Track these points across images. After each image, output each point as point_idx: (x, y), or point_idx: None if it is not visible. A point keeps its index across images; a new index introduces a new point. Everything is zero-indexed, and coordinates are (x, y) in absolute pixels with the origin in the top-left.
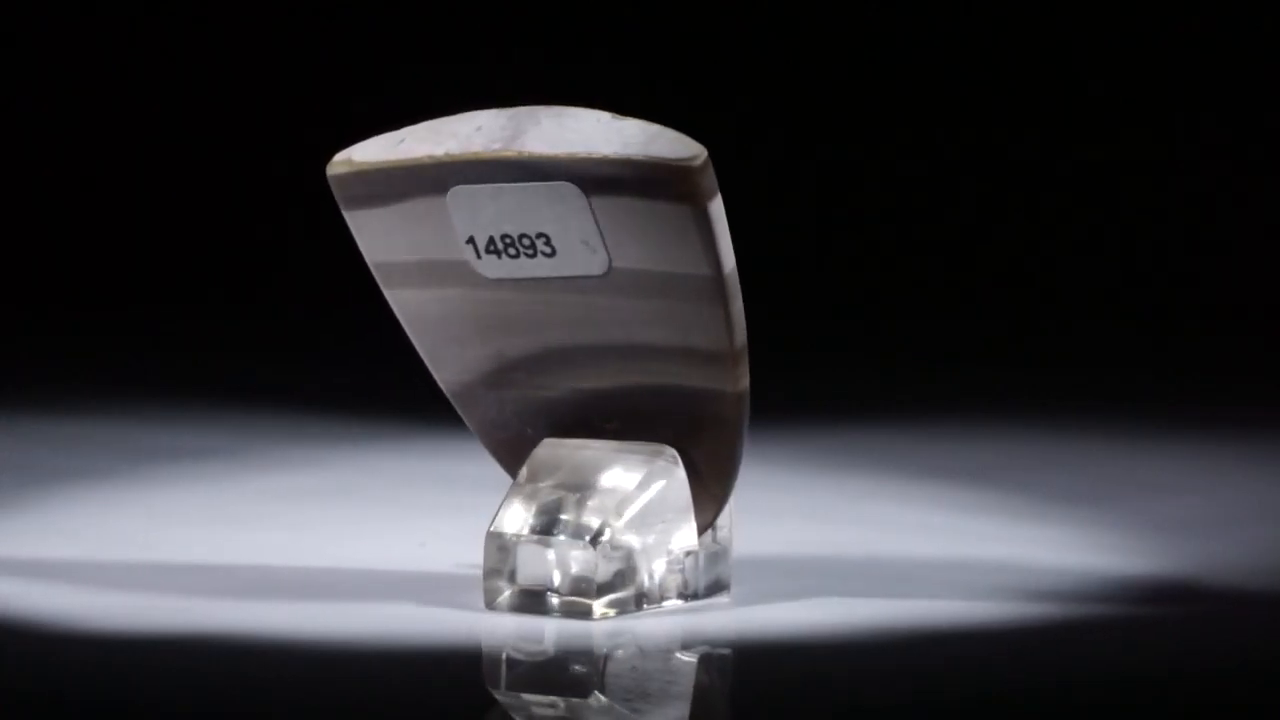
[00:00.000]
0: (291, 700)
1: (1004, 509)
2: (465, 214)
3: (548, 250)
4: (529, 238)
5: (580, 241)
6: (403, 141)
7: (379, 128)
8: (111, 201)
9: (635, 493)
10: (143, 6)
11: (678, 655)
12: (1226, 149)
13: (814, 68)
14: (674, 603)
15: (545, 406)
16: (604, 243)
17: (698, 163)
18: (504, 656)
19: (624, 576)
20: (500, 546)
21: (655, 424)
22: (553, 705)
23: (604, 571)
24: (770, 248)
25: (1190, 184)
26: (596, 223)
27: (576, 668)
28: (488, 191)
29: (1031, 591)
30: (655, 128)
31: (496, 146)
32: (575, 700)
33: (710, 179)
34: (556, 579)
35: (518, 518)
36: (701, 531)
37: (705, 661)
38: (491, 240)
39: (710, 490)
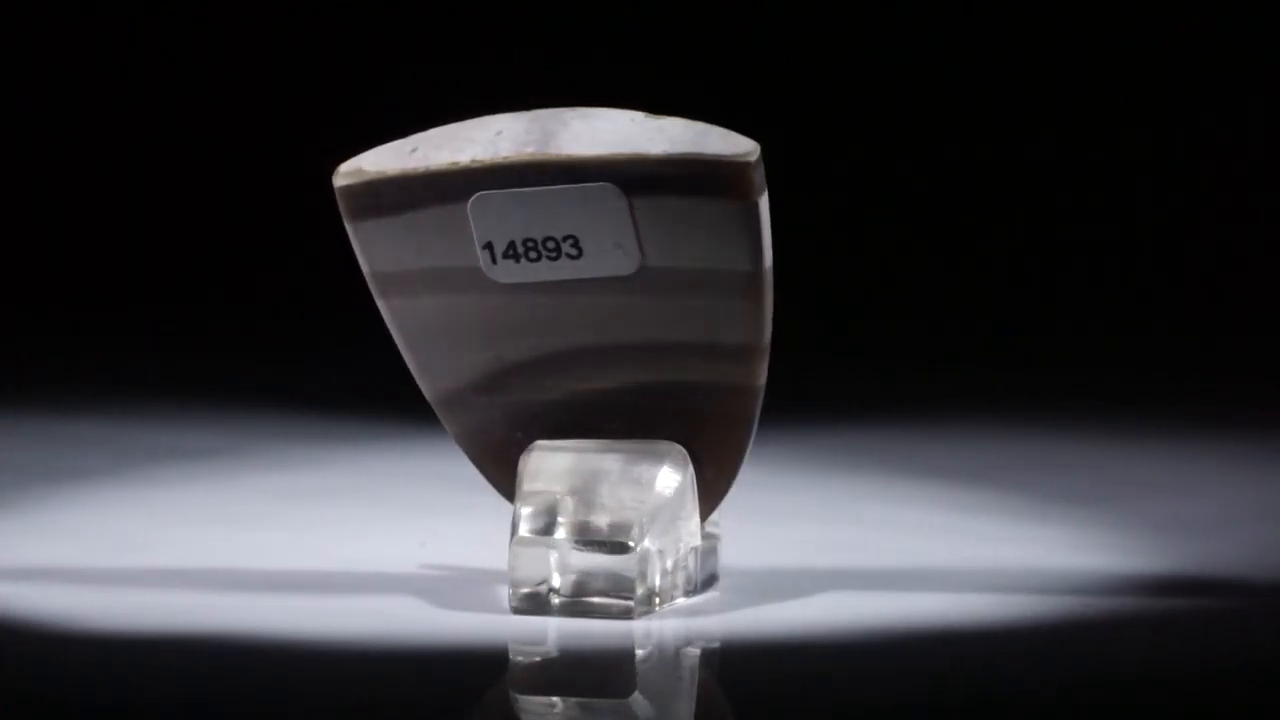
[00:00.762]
0: (291, 700)
1: (1004, 509)
2: (487, 220)
3: (574, 252)
4: (554, 240)
5: (612, 242)
6: (415, 150)
7: (377, 126)
8: (111, 201)
9: (658, 492)
10: (143, 6)
11: (688, 653)
12: (1227, 149)
13: (813, 68)
14: (682, 600)
15: (541, 409)
16: (638, 242)
17: (753, 158)
18: (552, 659)
19: (644, 575)
20: (529, 551)
21: (658, 422)
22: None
23: (640, 572)
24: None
25: (1190, 184)
26: (634, 222)
27: (640, 668)
28: (516, 196)
29: (1032, 591)
30: (701, 125)
31: (530, 150)
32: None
33: (761, 174)
34: (598, 581)
35: (541, 521)
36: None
37: (708, 661)
38: (512, 245)
39: (712, 486)
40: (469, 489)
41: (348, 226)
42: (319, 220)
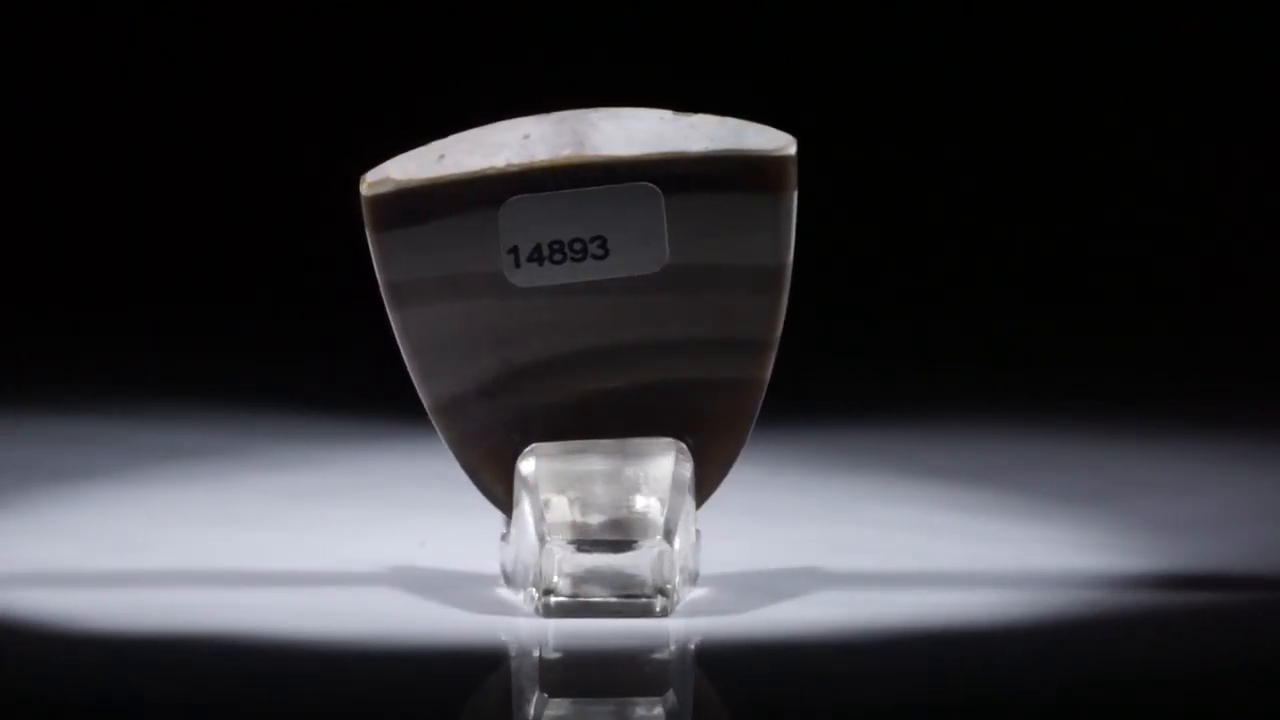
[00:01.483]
0: (291, 700)
1: (1004, 509)
2: (517, 224)
3: (599, 253)
4: (582, 242)
5: (640, 241)
6: (443, 156)
7: (377, 126)
8: (111, 201)
9: (674, 490)
10: (142, 6)
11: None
12: (1227, 149)
13: (813, 67)
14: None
15: (543, 412)
16: (666, 240)
17: (792, 151)
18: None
19: (673, 573)
20: (560, 555)
21: (661, 420)
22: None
23: (671, 570)
24: None
25: (1191, 184)
26: (665, 221)
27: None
28: (549, 199)
29: (1032, 591)
30: (733, 120)
31: (567, 152)
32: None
33: (796, 168)
34: (630, 581)
35: (568, 521)
36: None
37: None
38: (538, 248)
39: (706, 482)
40: (469, 489)
41: (372, 236)
42: (319, 220)
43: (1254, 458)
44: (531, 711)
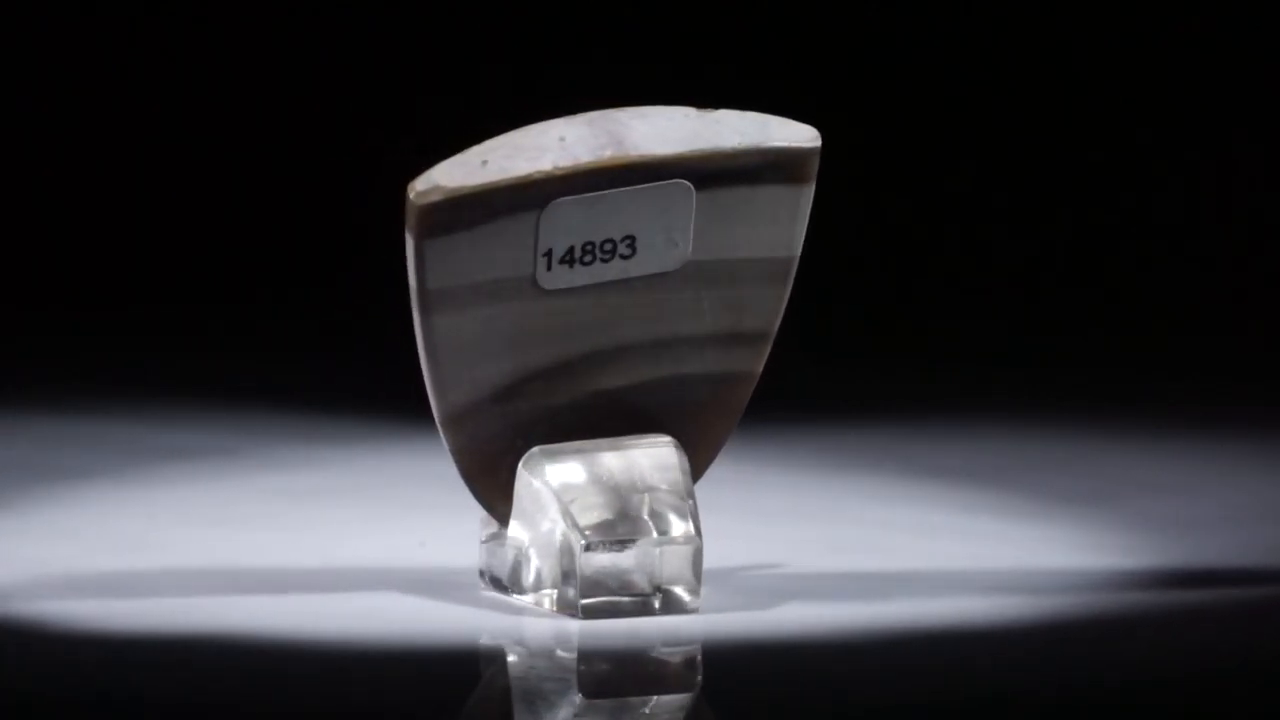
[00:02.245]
0: (291, 700)
1: (1004, 509)
2: (556, 226)
3: (627, 252)
4: (613, 242)
5: (666, 239)
6: (486, 162)
7: (377, 126)
8: (111, 201)
9: (687, 485)
10: (143, 6)
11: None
12: (1228, 149)
13: (815, 66)
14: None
15: (549, 414)
16: (690, 236)
17: (819, 144)
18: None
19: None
20: (598, 555)
21: (658, 416)
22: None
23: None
24: None
25: (1191, 184)
26: (693, 217)
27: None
28: (590, 200)
29: (1032, 591)
30: (753, 114)
31: (607, 154)
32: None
33: (818, 160)
34: (686, 576)
35: (600, 522)
36: None
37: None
38: (571, 250)
39: (694, 471)
40: (466, 488)
41: (415, 243)
42: (319, 220)
43: (1254, 458)
44: (566, 712)
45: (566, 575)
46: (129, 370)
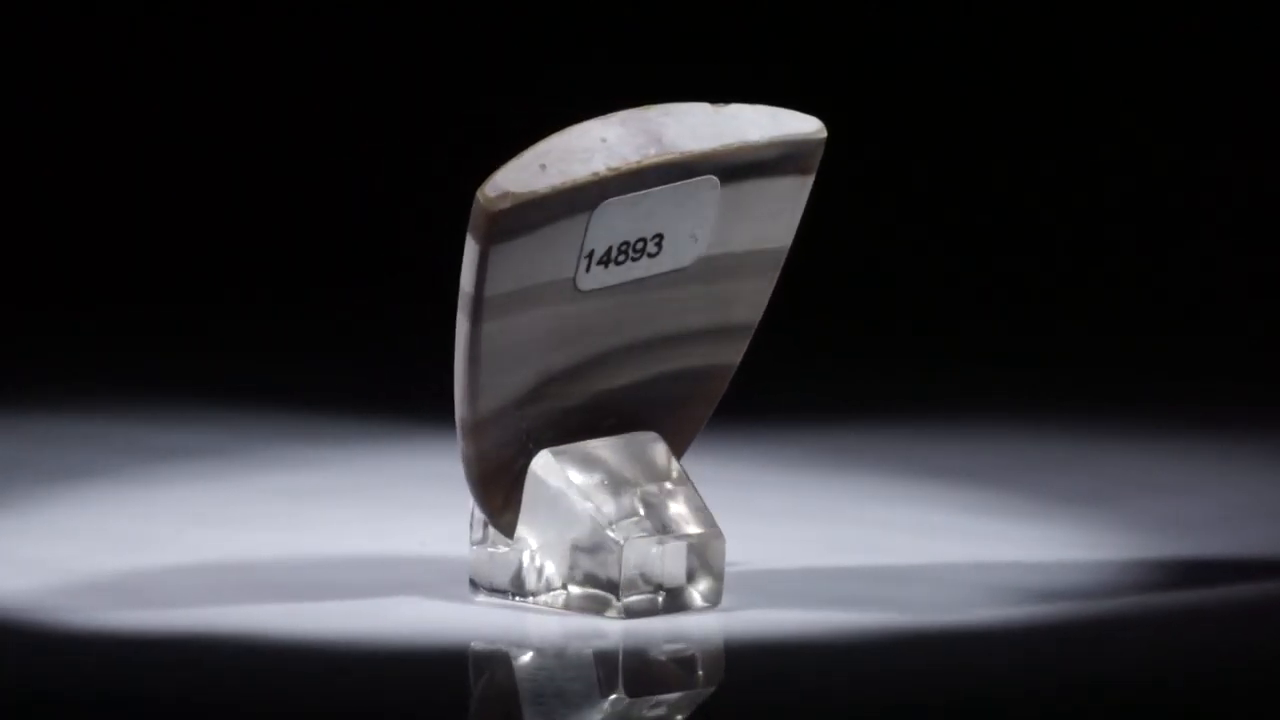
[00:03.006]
0: (291, 700)
1: (1004, 509)
2: (603, 227)
3: (654, 250)
4: (644, 240)
5: (688, 235)
6: (544, 166)
7: (377, 126)
8: (111, 201)
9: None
10: (143, 6)
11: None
12: (1229, 149)
13: (815, 64)
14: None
15: (559, 416)
16: (708, 232)
17: (825, 133)
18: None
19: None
20: (637, 553)
21: (643, 413)
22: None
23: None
24: None
25: (1191, 184)
26: (714, 212)
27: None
28: (634, 200)
29: (1032, 591)
30: (763, 107)
31: (652, 152)
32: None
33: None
34: (717, 569)
35: (634, 520)
36: None
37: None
38: (609, 250)
39: None
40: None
41: (482, 249)
42: (319, 220)
43: (1254, 458)
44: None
45: (589, 575)
46: (129, 370)
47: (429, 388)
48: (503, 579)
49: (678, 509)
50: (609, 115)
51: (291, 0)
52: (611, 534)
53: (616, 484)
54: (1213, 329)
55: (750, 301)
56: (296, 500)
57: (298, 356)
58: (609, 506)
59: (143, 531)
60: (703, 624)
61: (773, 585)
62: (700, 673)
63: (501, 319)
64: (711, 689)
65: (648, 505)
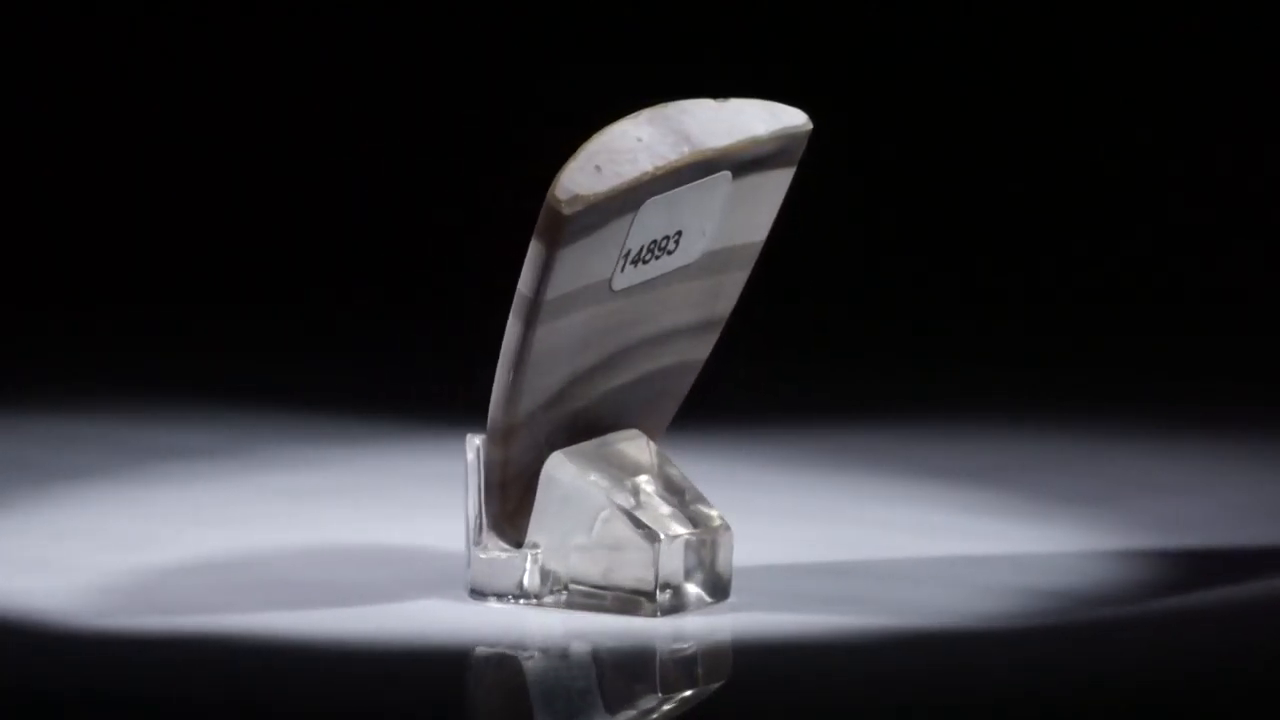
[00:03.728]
0: (292, 700)
1: (1004, 509)
2: (641, 226)
3: (673, 247)
4: (669, 238)
5: (700, 231)
6: (599, 168)
7: (376, 126)
8: (112, 201)
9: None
10: (142, 6)
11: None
12: (1229, 148)
13: (813, 62)
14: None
15: (571, 418)
16: (713, 226)
17: (811, 125)
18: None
19: None
20: (671, 549)
21: (629, 411)
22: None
23: None
24: (769, 246)
25: (1191, 184)
26: (721, 206)
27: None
28: (669, 198)
29: (1032, 592)
30: (758, 101)
31: (685, 150)
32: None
33: None
34: (715, 568)
35: (667, 516)
36: None
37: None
38: (641, 249)
39: None
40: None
41: (550, 252)
42: (319, 219)
43: (1254, 458)
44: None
45: (619, 574)
46: (129, 370)
47: (427, 388)
48: (508, 584)
49: (694, 505)
50: (634, 115)
51: (280, 1)
52: (643, 532)
53: (634, 482)
54: (1213, 329)
55: (730, 295)
56: (296, 500)
57: (298, 356)
58: (633, 504)
59: (143, 531)
60: (703, 624)
61: (773, 585)
62: (701, 672)
63: (552, 322)
64: (712, 689)
65: (666, 502)
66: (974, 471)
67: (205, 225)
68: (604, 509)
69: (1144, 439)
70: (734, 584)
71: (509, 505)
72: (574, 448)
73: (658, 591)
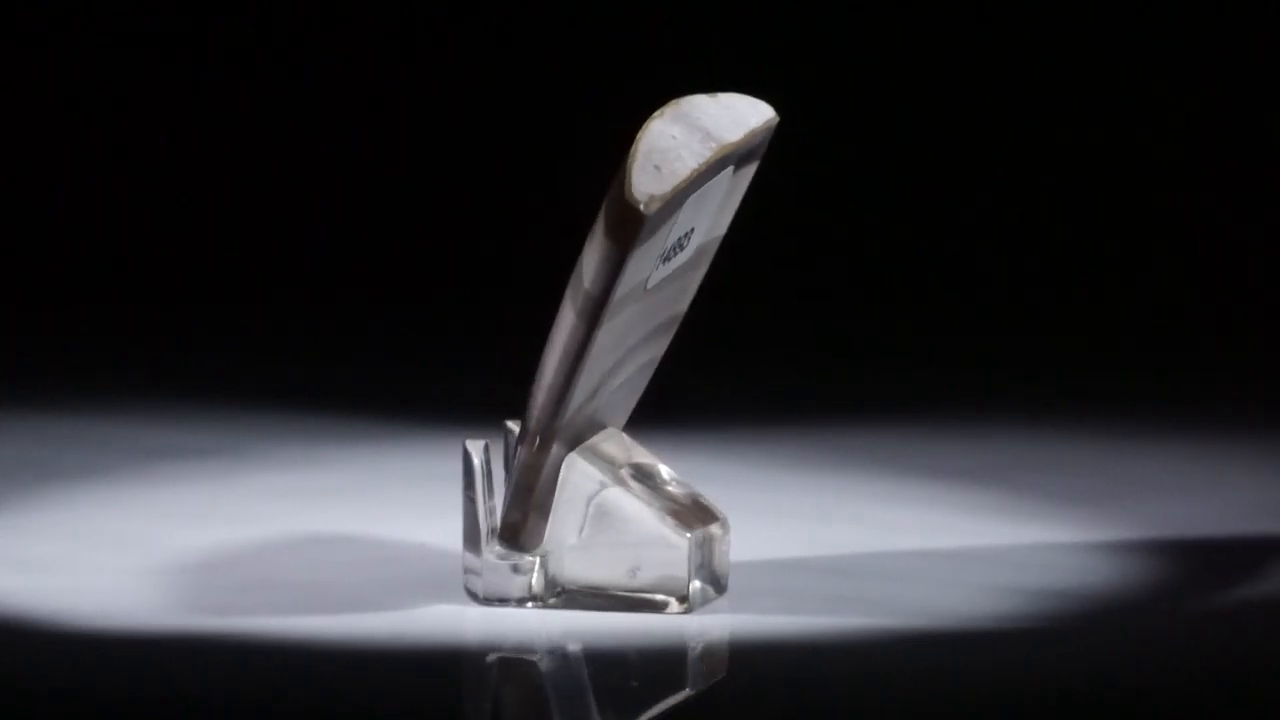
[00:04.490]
0: (292, 700)
1: (1004, 509)
2: (677, 224)
3: (685, 244)
4: (686, 235)
5: (701, 227)
6: (658, 167)
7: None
8: (112, 201)
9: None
10: (144, 6)
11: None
12: (1228, 148)
13: (812, 60)
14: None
15: (586, 420)
16: (706, 220)
17: (777, 117)
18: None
19: None
20: (697, 547)
21: (616, 409)
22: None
23: None
24: (769, 246)
25: (1191, 183)
26: (717, 201)
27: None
28: (697, 196)
29: (1031, 592)
30: (738, 95)
31: (713, 146)
32: None
33: None
34: (723, 566)
35: (688, 511)
36: None
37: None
38: (671, 246)
39: None
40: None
41: (622, 254)
42: (319, 219)
43: (1254, 458)
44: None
45: (638, 572)
46: (129, 370)
47: (428, 388)
48: (519, 588)
49: (701, 502)
50: (659, 114)
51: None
52: (673, 529)
53: (645, 481)
54: (1213, 329)
55: (693, 290)
56: (296, 500)
57: (298, 356)
58: (658, 503)
59: (142, 531)
60: (700, 624)
61: (772, 585)
62: (700, 672)
63: (609, 322)
64: (709, 689)
65: (678, 499)
66: (974, 471)
67: (205, 225)
68: (629, 509)
69: (1144, 439)
70: (735, 583)
71: (529, 509)
72: (584, 448)
73: (690, 586)
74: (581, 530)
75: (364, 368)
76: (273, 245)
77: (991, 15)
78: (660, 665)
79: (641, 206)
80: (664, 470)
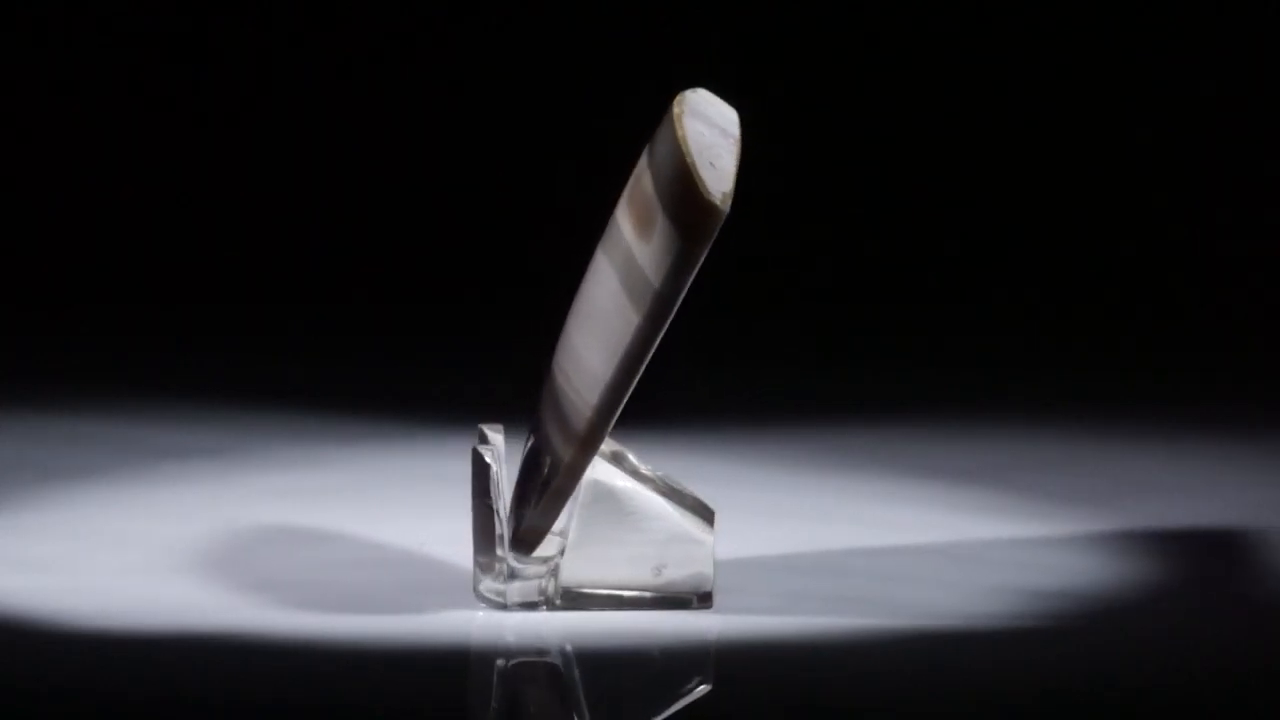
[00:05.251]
0: (291, 701)
1: (1004, 509)
2: None
3: None
4: None
5: None
6: (713, 164)
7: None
8: (112, 201)
9: None
10: (146, 8)
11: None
12: (1228, 148)
13: (810, 59)
14: None
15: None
16: None
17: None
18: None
19: None
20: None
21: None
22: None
23: None
24: (768, 246)
25: (1191, 183)
26: None
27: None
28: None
29: (1031, 592)
30: (691, 90)
31: (729, 143)
32: None
33: None
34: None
35: (693, 509)
36: None
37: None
38: None
39: None
40: (468, 488)
41: (699, 252)
42: (319, 219)
43: (1254, 458)
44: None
45: (660, 570)
46: (129, 370)
47: (428, 387)
48: (535, 593)
49: (675, 486)
50: (678, 114)
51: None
52: (696, 527)
53: (649, 477)
54: (1213, 329)
55: None
56: (297, 500)
57: (298, 356)
58: (671, 502)
59: (142, 531)
60: (698, 623)
61: (770, 585)
62: (699, 673)
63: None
64: (707, 689)
65: (681, 498)
66: (974, 471)
67: (206, 225)
68: (653, 508)
69: (1144, 439)
70: (734, 583)
71: (543, 521)
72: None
73: (713, 586)
74: (617, 534)
75: (364, 368)
76: (273, 245)
77: (995, 13)
78: (679, 663)
79: (719, 204)
80: (631, 456)
